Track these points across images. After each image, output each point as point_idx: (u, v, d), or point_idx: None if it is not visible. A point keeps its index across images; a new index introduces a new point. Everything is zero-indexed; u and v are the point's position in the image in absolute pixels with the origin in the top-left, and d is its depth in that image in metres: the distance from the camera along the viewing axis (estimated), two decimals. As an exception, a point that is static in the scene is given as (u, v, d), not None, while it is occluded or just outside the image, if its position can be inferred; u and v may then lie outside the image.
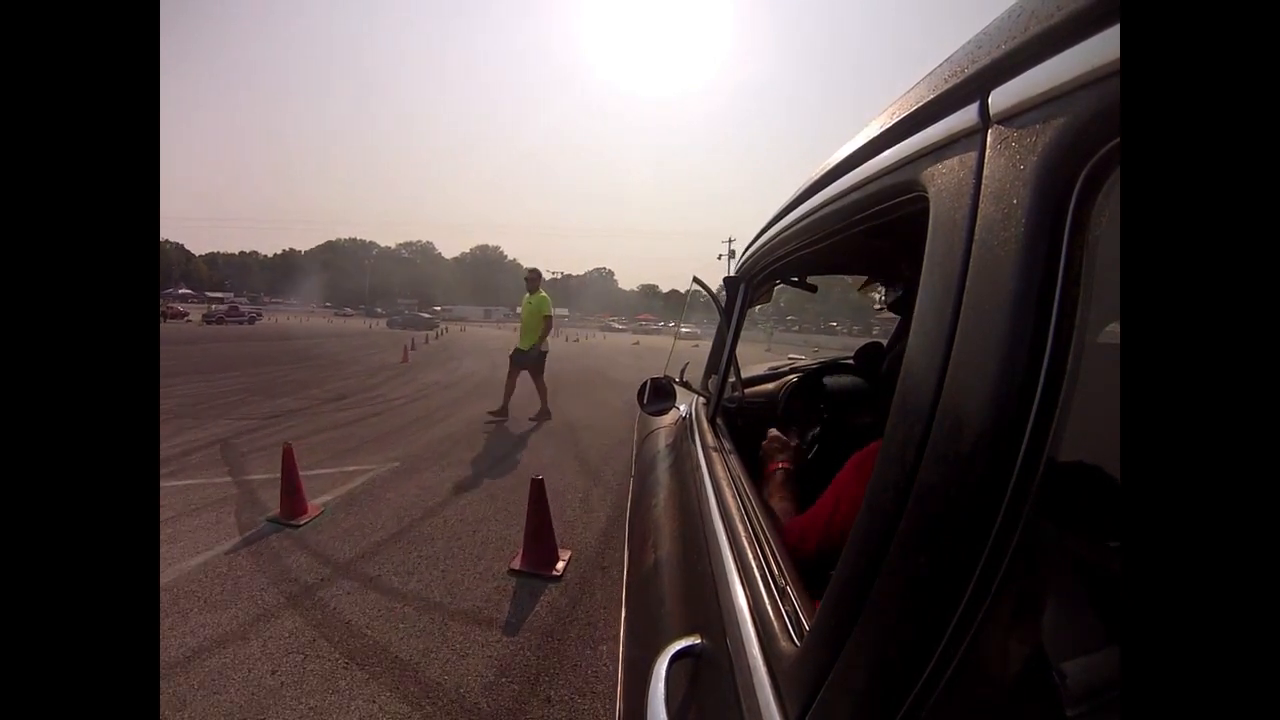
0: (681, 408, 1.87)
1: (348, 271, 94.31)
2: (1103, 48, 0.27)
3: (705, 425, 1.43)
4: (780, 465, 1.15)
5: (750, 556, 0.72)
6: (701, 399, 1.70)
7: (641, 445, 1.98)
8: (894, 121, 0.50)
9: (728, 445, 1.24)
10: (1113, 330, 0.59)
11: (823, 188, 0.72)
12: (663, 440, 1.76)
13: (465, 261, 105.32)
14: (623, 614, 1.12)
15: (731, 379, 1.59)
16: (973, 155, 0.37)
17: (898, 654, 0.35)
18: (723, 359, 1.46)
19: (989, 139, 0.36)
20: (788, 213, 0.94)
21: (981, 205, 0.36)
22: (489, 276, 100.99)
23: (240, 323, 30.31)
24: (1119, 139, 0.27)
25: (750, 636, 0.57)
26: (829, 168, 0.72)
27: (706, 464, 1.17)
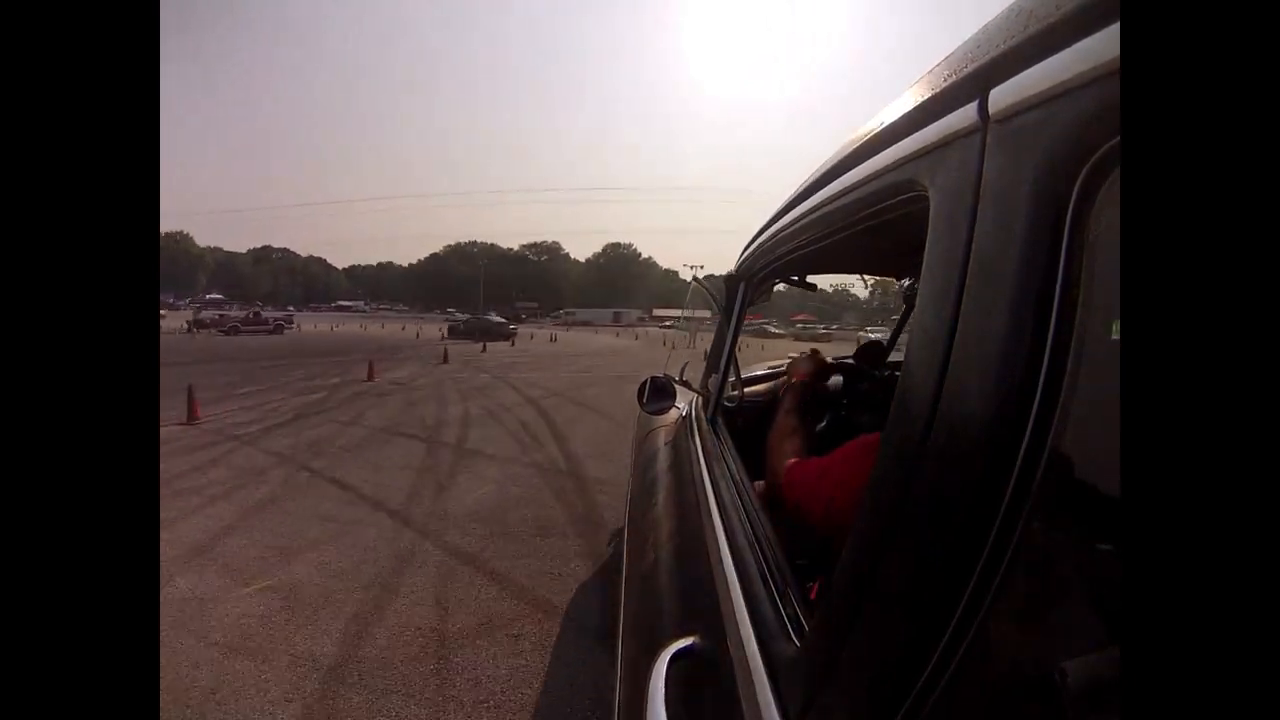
0: (681, 407, 1.87)
1: (470, 277, 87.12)
2: (1103, 47, 0.27)
3: (705, 424, 1.43)
4: (802, 379, 1.19)
5: (749, 556, 0.72)
6: (701, 398, 1.70)
7: (641, 444, 1.98)
8: (894, 120, 0.50)
9: (727, 445, 1.24)
10: (1112, 329, 0.59)
11: (823, 186, 0.72)
12: (662, 439, 1.76)
13: (597, 263, 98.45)
14: (622, 613, 1.12)
15: (731, 378, 1.59)
16: (972, 154, 0.37)
17: (897, 653, 0.35)
18: (722, 358, 1.46)
19: (989, 138, 0.36)
20: (788, 211, 0.94)
21: (981, 204, 0.35)
22: (620, 276, 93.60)
23: (265, 332, 24.38)
24: (1119, 138, 0.27)
25: (750, 636, 0.57)
26: (829, 166, 0.72)
27: (706, 463, 1.17)
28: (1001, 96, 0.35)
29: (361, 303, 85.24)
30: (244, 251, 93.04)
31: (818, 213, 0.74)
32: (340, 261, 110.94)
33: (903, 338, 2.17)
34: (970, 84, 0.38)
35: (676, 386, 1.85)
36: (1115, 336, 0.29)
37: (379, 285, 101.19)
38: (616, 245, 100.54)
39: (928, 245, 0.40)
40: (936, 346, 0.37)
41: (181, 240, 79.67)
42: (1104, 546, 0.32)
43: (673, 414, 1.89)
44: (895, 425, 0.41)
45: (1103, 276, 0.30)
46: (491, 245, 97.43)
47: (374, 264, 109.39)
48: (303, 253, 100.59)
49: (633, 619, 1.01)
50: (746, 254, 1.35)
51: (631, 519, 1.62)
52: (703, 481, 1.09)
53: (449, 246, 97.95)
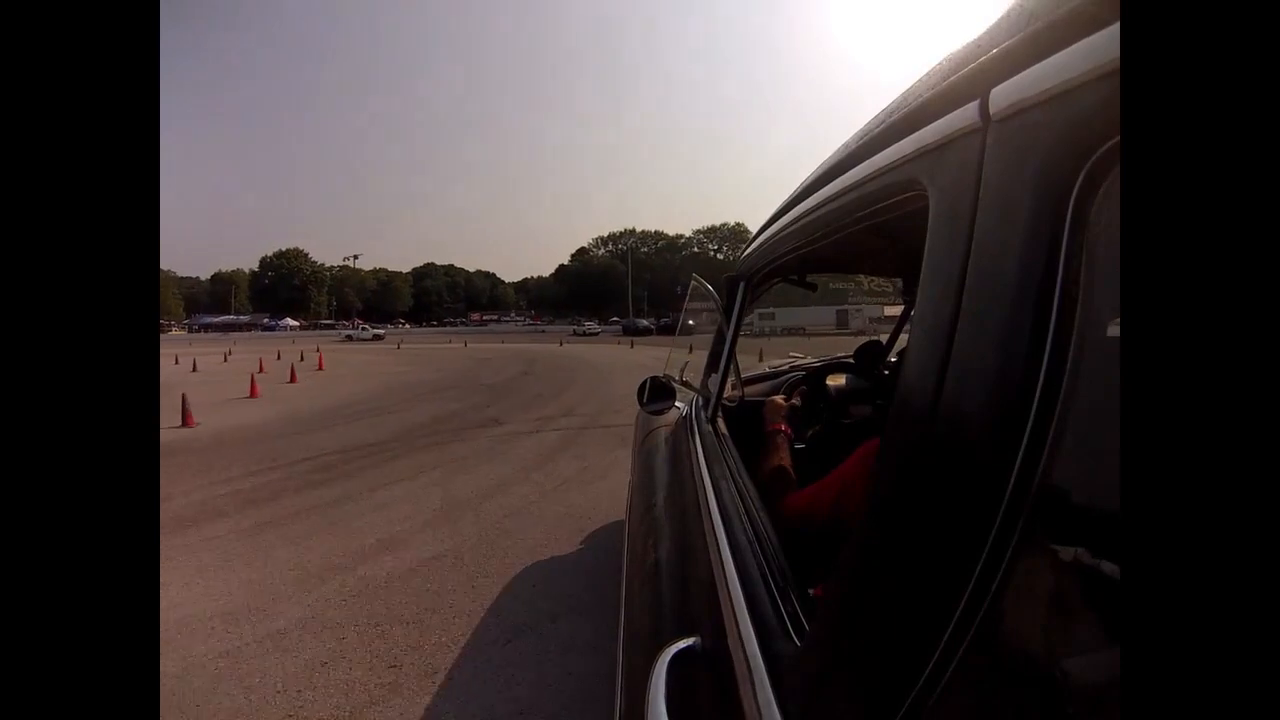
0: (681, 407, 1.87)
1: (628, 274, 70.09)
2: (1103, 47, 0.27)
3: (705, 424, 1.43)
4: (782, 429, 1.18)
5: (750, 556, 0.72)
6: (701, 398, 1.70)
7: (641, 444, 1.98)
8: (894, 119, 0.50)
9: (728, 445, 1.24)
10: (1113, 328, 0.59)
11: (823, 186, 0.72)
12: (662, 439, 1.76)
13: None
14: (622, 614, 1.12)
15: (731, 378, 1.59)
16: (973, 154, 0.37)
17: (898, 653, 0.35)
18: (722, 358, 1.46)
19: (989, 137, 0.36)
20: (788, 211, 0.94)
21: (981, 203, 0.35)
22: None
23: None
24: (1119, 138, 0.27)
25: (750, 636, 0.57)
26: (829, 166, 0.72)
27: (706, 463, 1.17)
28: (1001, 96, 0.35)
29: (504, 316, 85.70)
30: (407, 270, 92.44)
31: (818, 212, 0.74)
32: (510, 275, 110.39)
33: (903, 338, 2.17)
34: (970, 84, 0.38)
35: (676, 386, 1.85)
36: (1115, 335, 0.29)
37: (542, 296, 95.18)
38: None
39: (928, 245, 0.40)
40: (936, 346, 0.37)
41: (349, 268, 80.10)
42: (1104, 546, 0.32)
43: (673, 414, 1.89)
44: (895, 425, 0.41)
45: (1103, 276, 0.30)
46: (656, 232, 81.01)
47: (544, 275, 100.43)
48: (470, 267, 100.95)
49: (633, 619, 1.01)
50: (747, 254, 1.35)
51: (631, 519, 1.62)
52: (703, 481, 1.09)
53: (598, 238, 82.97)
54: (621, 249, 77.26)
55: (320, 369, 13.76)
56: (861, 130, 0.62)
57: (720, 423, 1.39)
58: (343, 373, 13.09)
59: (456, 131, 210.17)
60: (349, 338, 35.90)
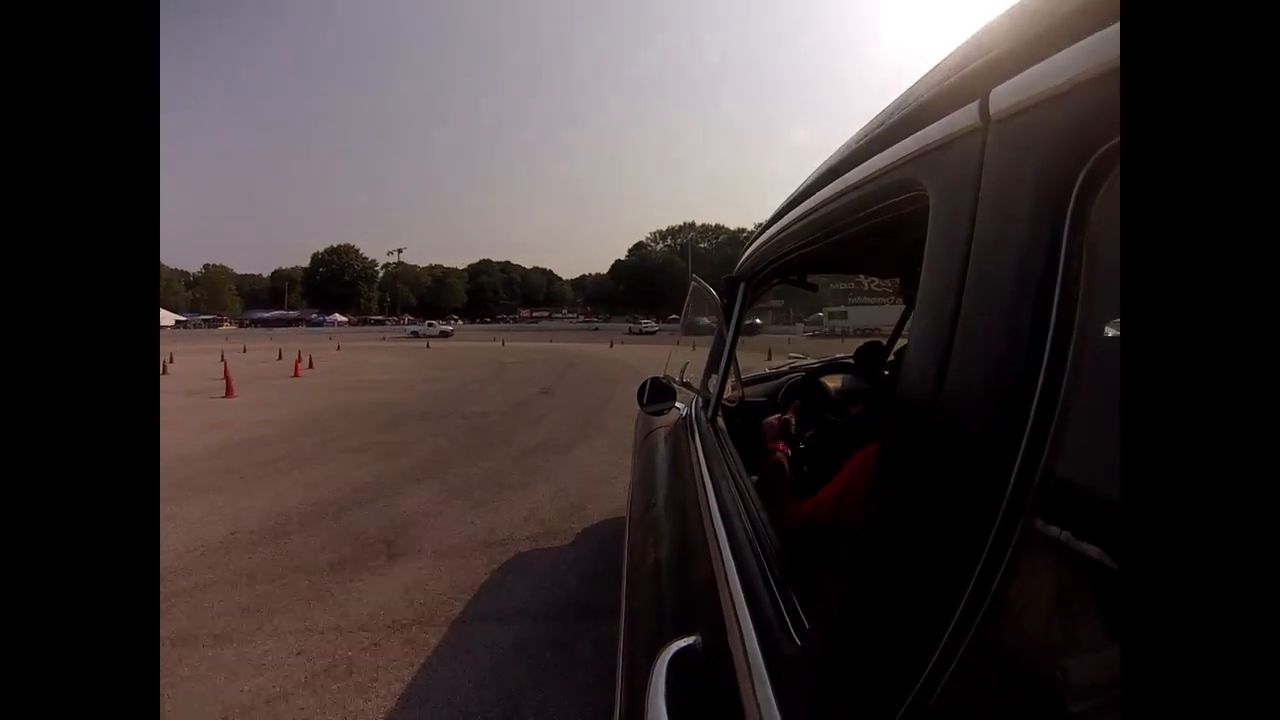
0: (681, 407, 1.87)
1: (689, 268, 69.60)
2: (1103, 47, 0.27)
3: (705, 425, 1.43)
4: (780, 448, 1.18)
5: (750, 555, 0.72)
6: (701, 399, 1.70)
7: (641, 445, 1.98)
8: (894, 120, 0.50)
9: (728, 445, 1.24)
10: (1112, 328, 0.59)
11: (823, 186, 0.72)
12: (662, 440, 1.76)
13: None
14: (622, 613, 1.12)
15: (731, 379, 1.59)
16: (973, 154, 0.37)
17: (899, 652, 0.35)
18: (722, 359, 1.46)
19: (989, 138, 0.36)
20: (788, 211, 0.94)
21: (981, 204, 0.36)
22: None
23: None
24: (1119, 138, 0.27)
25: (750, 635, 0.57)
26: (829, 166, 0.72)
27: (706, 463, 1.17)
28: (1001, 96, 0.35)
29: (556, 313, 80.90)
30: (463, 268, 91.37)
31: (818, 213, 0.74)
32: (569, 272, 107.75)
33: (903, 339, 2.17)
34: (970, 84, 0.38)
35: (676, 387, 1.85)
36: (1115, 335, 0.29)
37: (599, 293, 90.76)
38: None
39: (928, 245, 0.40)
40: (936, 346, 0.37)
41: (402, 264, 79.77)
42: (1103, 545, 0.32)
43: (673, 414, 1.89)
44: (895, 424, 0.41)
45: (1103, 276, 0.30)
46: (716, 226, 77.06)
47: (601, 273, 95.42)
48: (528, 264, 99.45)
49: (633, 618, 1.01)
50: (747, 254, 1.35)
51: (632, 519, 1.62)
52: (703, 481, 1.09)
53: (656, 233, 79.75)
54: (680, 243, 73.93)
55: (296, 375, 10.60)
56: (862, 130, 0.62)
57: (720, 423, 1.39)
58: (313, 383, 9.79)
59: (516, 130, 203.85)
60: (414, 334, 34.23)
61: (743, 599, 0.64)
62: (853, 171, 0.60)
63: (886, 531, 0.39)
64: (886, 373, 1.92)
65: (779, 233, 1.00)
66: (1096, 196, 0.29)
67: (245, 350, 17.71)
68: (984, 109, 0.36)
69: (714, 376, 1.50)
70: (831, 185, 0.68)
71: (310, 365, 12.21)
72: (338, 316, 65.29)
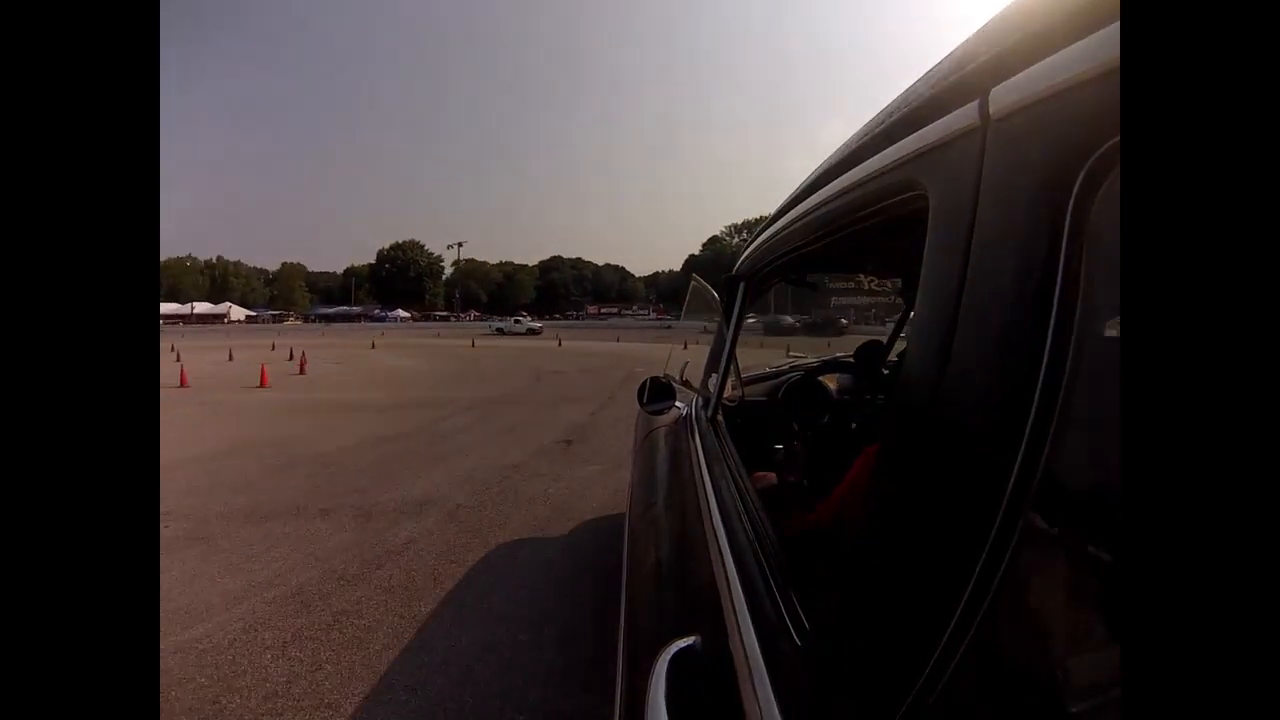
0: (681, 407, 1.87)
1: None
2: (1103, 47, 0.27)
3: (705, 424, 1.43)
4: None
5: (750, 555, 0.72)
6: (701, 398, 1.70)
7: (641, 444, 1.98)
8: (894, 119, 0.50)
9: (728, 444, 1.24)
10: (1112, 328, 0.59)
11: (823, 186, 0.72)
12: (663, 439, 1.76)
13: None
14: (622, 613, 1.12)
15: (731, 378, 1.59)
16: (973, 153, 0.37)
17: (899, 652, 0.35)
18: (722, 358, 1.46)
19: (989, 137, 0.36)
20: (788, 211, 0.94)
21: (981, 203, 0.36)
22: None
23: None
24: (1119, 138, 0.27)
25: (751, 635, 0.57)
26: (829, 166, 0.72)
27: (706, 463, 1.17)
28: (1001, 96, 0.35)
29: (625, 310, 79.38)
30: (533, 264, 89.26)
31: (818, 212, 0.74)
32: (642, 269, 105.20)
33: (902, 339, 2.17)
34: (970, 84, 0.38)
35: (676, 386, 1.85)
36: (1115, 335, 0.29)
37: (672, 289, 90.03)
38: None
39: (928, 245, 0.40)
40: (936, 346, 0.37)
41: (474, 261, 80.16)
42: (1104, 545, 0.32)
43: (673, 414, 1.89)
44: (895, 425, 0.41)
45: (1103, 276, 0.30)
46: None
47: (675, 270, 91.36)
48: (599, 261, 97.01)
49: (633, 618, 1.01)
50: (747, 254, 1.35)
51: (631, 519, 1.62)
52: (703, 481, 1.09)
53: (730, 226, 76.15)
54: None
55: (262, 385, 8.80)
56: (861, 130, 0.62)
57: (720, 423, 1.39)
58: (264, 399, 7.67)
59: (593, 131, 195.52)
60: (500, 331, 33.44)
61: (743, 599, 0.64)
62: (852, 171, 0.60)
63: (886, 531, 0.39)
64: (886, 372, 1.92)
65: (779, 232, 1.00)
66: (1096, 196, 0.29)
67: (273, 348, 17.03)
68: (984, 108, 0.36)
69: (714, 376, 1.50)
70: (831, 185, 0.68)
71: (301, 371, 11.03)
72: (400, 312, 65.39)
